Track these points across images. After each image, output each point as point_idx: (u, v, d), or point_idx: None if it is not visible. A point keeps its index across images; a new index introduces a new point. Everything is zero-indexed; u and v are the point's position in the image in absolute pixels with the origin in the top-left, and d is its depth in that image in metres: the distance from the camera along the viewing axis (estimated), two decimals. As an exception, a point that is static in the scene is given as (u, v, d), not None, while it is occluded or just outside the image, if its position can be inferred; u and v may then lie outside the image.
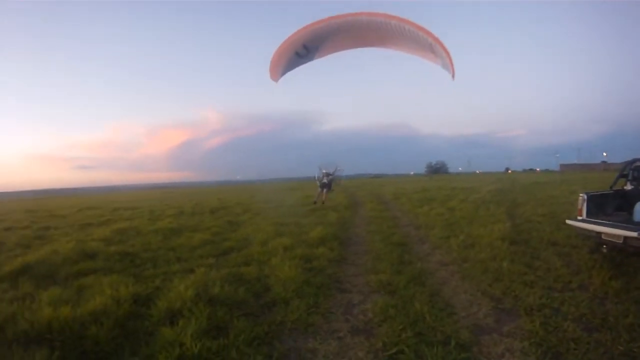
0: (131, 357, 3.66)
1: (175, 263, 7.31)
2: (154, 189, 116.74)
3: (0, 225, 16.22)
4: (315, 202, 19.36)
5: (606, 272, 5.41)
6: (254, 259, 7.31)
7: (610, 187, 7.22)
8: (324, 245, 8.04)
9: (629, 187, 7.25)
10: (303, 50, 7.41)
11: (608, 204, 6.90)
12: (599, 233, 5.73)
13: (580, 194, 6.57)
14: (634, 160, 7.31)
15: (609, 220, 5.89)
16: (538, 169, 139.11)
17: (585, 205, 6.46)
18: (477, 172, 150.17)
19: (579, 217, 6.46)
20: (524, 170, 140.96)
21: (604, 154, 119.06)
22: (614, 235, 5.44)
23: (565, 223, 6.72)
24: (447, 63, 6.81)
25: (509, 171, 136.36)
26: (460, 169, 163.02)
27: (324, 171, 20.06)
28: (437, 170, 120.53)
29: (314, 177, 20.65)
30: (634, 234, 5.06)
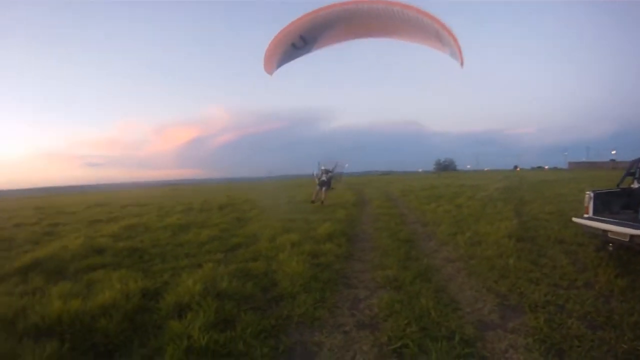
0: (140, 349, 3.73)
1: (183, 258, 7.42)
2: (162, 186, 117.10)
3: (11, 221, 16.48)
4: (313, 202, 18.62)
5: (612, 270, 5.42)
6: (262, 255, 7.37)
7: (617, 185, 7.20)
8: (332, 242, 8.10)
9: (636, 185, 7.22)
10: (300, 41, 7.06)
11: (615, 202, 6.87)
12: (605, 231, 5.72)
13: (587, 192, 6.56)
14: None
15: (616, 218, 5.89)
16: (546, 167, 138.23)
17: (591, 203, 6.45)
18: (486, 169, 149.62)
19: (586, 215, 6.45)
20: (533, 168, 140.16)
21: (613, 152, 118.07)
22: (620, 234, 5.43)
23: (572, 221, 6.72)
24: (455, 50, 6.51)
25: (518, 169, 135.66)
26: (468, 166, 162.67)
27: (322, 168, 19.19)
28: (445, 167, 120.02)
29: (312, 174, 20.05)
30: None
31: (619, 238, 5.46)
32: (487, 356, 3.41)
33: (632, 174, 7.35)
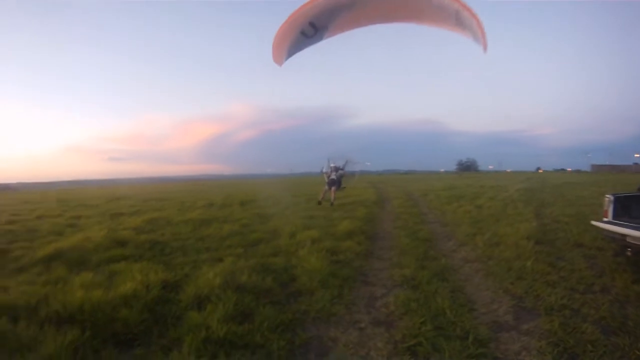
0: (159, 339, 3.84)
1: (204, 252, 7.57)
2: (184, 181, 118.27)
3: (34, 213, 16.93)
4: (320, 202, 16.88)
5: (629, 275, 5.40)
6: (282, 250, 7.49)
7: (638, 189, 7.11)
8: (351, 239, 8.18)
9: None
10: (310, 28, 6.46)
11: (635, 206, 6.76)
12: (624, 235, 5.67)
13: (607, 195, 6.50)
14: None
15: (635, 223, 5.83)
16: (569, 169, 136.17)
17: (611, 206, 6.37)
18: (508, 170, 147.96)
19: (605, 219, 6.39)
20: (555, 170, 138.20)
21: (636, 155, 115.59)
22: (639, 239, 5.40)
23: (591, 224, 6.67)
24: (477, 32, 5.99)
25: (540, 170, 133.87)
26: (490, 167, 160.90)
27: (332, 165, 17.35)
28: (467, 167, 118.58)
29: (321, 171, 17.84)
30: None
31: (638, 243, 5.42)
32: (499, 357, 3.44)
33: None
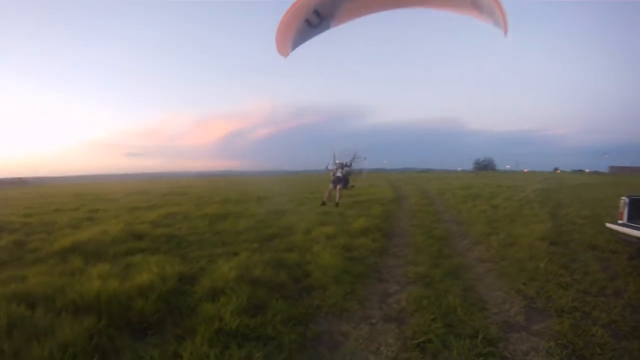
0: (173, 329, 3.95)
1: (220, 246, 7.71)
2: (201, 176, 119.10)
3: (52, 207, 17.31)
4: (324, 203, 15.20)
5: (643, 279, 5.34)
6: (297, 246, 7.58)
7: None
8: (366, 236, 8.25)
9: None
10: (315, 17, 5.98)
11: None
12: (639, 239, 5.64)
13: (622, 197, 6.44)
14: None
15: None
16: (587, 170, 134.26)
17: (626, 208, 6.32)
18: (525, 170, 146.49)
19: (620, 221, 6.33)
20: (573, 171, 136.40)
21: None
22: None
23: (605, 226, 6.62)
24: (497, 15, 5.40)
25: (558, 171, 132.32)
26: (508, 166, 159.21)
27: (337, 161, 16.10)
28: (484, 167, 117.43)
29: (326, 168, 16.78)
30: None
31: None
32: (507, 357, 3.47)
33: None
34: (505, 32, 5.40)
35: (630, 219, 6.25)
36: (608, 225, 6.41)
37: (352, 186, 16.82)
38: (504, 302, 4.77)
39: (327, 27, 6.16)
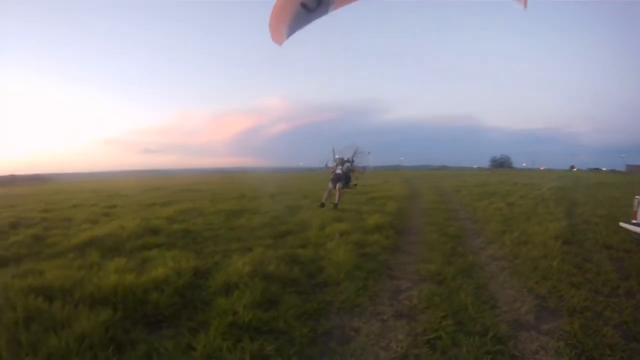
0: (187, 322, 4.04)
1: (234, 242, 7.81)
2: (217, 173, 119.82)
3: (70, 202, 17.70)
4: (322, 204, 13.21)
5: (656, 279, 5.28)
6: (311, 242, 7.65)
7: None
8: (380, 233, 8.27)
9: None
10: (312, 1, 5.31)
11: None
12: None
13: (637, 196, 6.37)
14: None
15: None
16: (604, 169, 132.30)
17: None
18: (541, 168, 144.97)
19: (634, 221, 6.28)
20: (590, 169, 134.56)
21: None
22: None
23: (619, 226, 6.56)
24: None
25: (574, 169, 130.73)
26: (524, 164, 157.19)
27: (337, 156, 14.05)
28: (501, 164, 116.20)
29: (325, 165, 14.57)
30: None
31: None
32: (516, 355, 3.49)
33: None
34: (525, 4, 4.75)
35: None
36: (622, 224, 6.36)
37: (355, 185, 14.84)
38: (515, 301, 4.77)
39: (326, 11, 5.54)
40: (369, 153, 14.75)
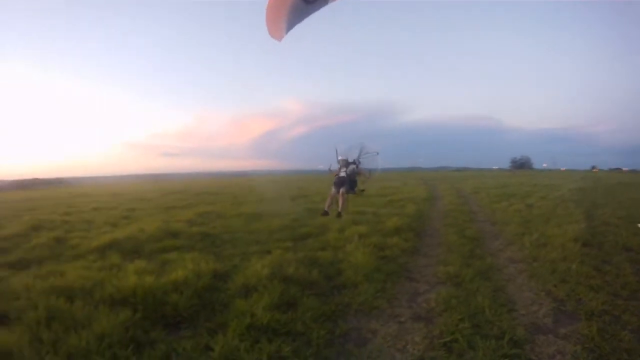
0: (206, 323, 4.13)
1: (254, 245, 7.90)
2: (236, 176, 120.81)
3: (90, 205, 18.12)
4: (325, 212, 11.40)
5: (676, 283, 5.21)
6: (330, 245, 7.74)
7: None
8: (399, 236, 8.31)
9: None
10: None
11: None
12: None
13: None
14: None
15: None
16: (625, 169, 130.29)
17: None
18: (562, 169, 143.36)
19: None
20: (610, 170, 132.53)
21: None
22: None
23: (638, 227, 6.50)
24: None
25: (595, 170, 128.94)
26: (544, 165, 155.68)
27: (340, 158, 11.93)
28: (521, 165, 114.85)
29: (328, 169, 12.35)
30: None
31: None
32: (533, 359, 3.49)
33: None
34: None
35: None
36: None
37: (363, 191, 12.83)
38: (532, 304, 4.76)
39: (325, 2, 5.27)
40: (377, 153, 12.30)
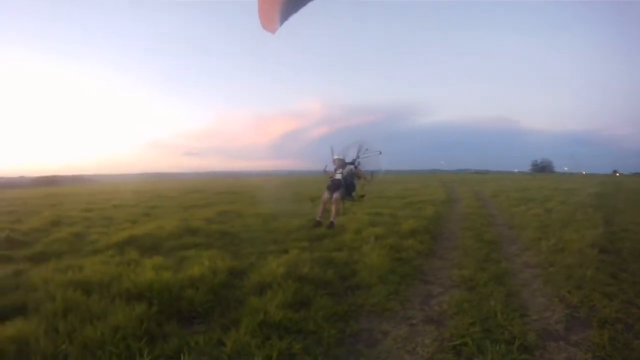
0: (220, 319, 4.22)
1: (271, 244, 7.99)
2: (257, 176, 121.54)
3: (111, 203, 18.58)
4: (318, 222, 10.07)
5: (694, 291, 5.13)
6: (346, 246, 7.79)
7: None
8: (415, 238, 8.29)
9: None
10: None
11: None
12: None
13: None
14: None
15: None
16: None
17: None
18: (584, 172, 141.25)
19: None
20: (633, 174, 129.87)
21: None
22: None
23: None
24: None
25: (617, 174, 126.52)
26: (565, 168, 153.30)
27: (335, 157, 10.66)
28: (542, 168, 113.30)
29: (324, 170, 11.24)
30: None
31: None
32: (542, 365, 3.48)
33: None
34: None
35: None
36: None
37: (362, 196, 11.37)
38: (545, 310, 4.74)
39: None
40: (380, 153, 10.99)
